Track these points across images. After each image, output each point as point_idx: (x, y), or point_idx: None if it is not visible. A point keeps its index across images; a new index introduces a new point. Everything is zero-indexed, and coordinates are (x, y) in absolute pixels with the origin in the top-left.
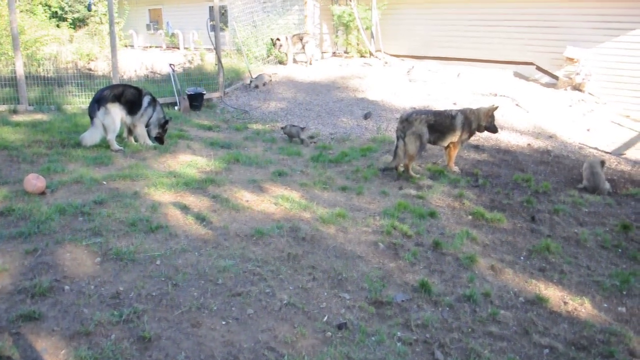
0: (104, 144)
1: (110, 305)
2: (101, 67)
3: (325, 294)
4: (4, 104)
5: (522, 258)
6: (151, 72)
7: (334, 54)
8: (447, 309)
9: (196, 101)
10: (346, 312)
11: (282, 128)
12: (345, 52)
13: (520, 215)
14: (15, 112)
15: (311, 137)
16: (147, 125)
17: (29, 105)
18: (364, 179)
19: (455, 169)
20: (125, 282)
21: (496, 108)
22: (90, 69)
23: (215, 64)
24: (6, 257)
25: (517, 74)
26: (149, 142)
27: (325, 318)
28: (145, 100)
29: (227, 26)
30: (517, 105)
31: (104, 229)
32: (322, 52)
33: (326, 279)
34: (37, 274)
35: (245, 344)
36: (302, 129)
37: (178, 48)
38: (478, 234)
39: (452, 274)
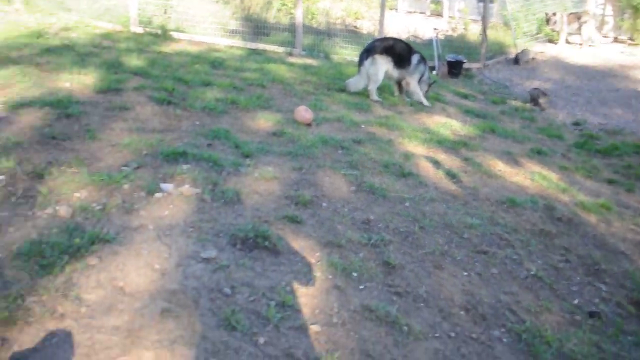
0: (365, 93)
1: (361, 229)
2: (366, 26)
3: (578, 278)
4: (282, 47)
5: None
6: (413, 36)
7: (615, 39)
8: None
9: (455, 69)
10: (600, 303)
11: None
12: (630, 39)
13: None
14: (290, 54)
15: (576, 124)
16: (417, 83)
17: (302, 50)
18: (637, 177)
19: None
20: (375, 213)
21: None
22: (355, 27)
23: (480, 34)
24: (277, 169)
25: None
26: (424, 101)
27: (576, 301)
28: (415, 57)
29: None
30: None
31: (360, 164)
32: (602, 36)
33: (580, 264)
34: (300, 187)
35: (486, 299)
36: (544, 94)
37: (441, 16)
38: None
39: None
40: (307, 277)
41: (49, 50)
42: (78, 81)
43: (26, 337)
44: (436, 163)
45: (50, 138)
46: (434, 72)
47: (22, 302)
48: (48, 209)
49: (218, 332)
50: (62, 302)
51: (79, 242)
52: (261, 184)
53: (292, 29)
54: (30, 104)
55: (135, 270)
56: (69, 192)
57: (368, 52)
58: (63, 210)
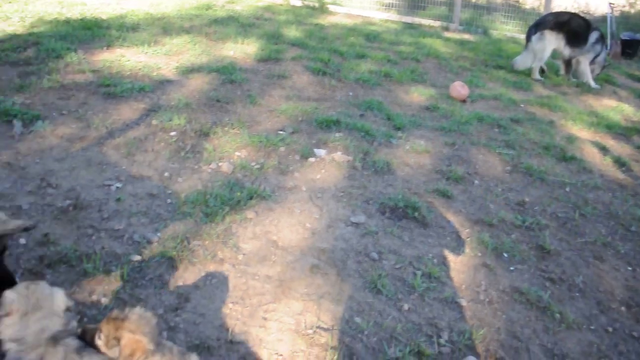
0: (526, 71)
1: (515, 210)
2: (530, 0)
3: None
4: (438, 21)
5: None
6: (583, 11)
7: None
8: None
9: (630, 48)
10: None
11: None
12: None
13: None
14: (446, 29)
15: None
16: (590, 64)
17: (459, 25)
18: None
19: None
20: (531, 196)
21: None
22: (517, 1)
23: None
24: (428, 143)
25: None
26: (592, 82)
27: None
28: (593, 36)
29: None
30: None
31: (517, 144)
32: None
33: None
34: (452, 163)
35: None
36: None
37: None
38: None
39: None
40: (455, 252)
41: (216, 21)
42: (241, 50)
43: (190, 276)
44: (603, 149)
45: (215, 101)
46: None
47: (187, 244)
48: (212, 164)
49: (363, 293)
50: (221, 248)
51: (239, 195)
52: (412, 156)
53: (449, 2)
54: (198, 69)
55: (288, 227)
56: (231, 150)
57: (537, 26)
58: (225, 167)
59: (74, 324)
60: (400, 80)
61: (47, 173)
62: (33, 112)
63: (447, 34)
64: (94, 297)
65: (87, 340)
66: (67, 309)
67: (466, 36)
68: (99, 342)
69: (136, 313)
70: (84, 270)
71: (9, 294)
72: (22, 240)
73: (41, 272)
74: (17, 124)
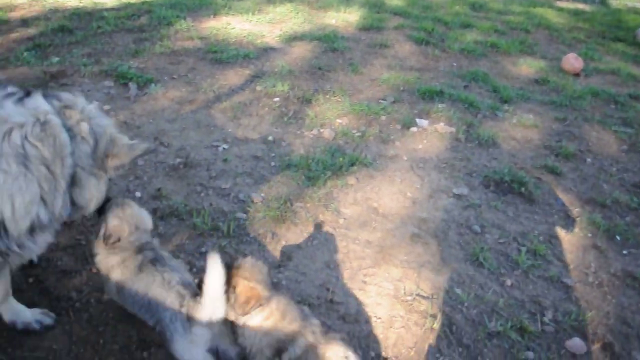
0: None
1: (630, 191)
2: None
3: None
4: None
5: None
6: None
7: None
8: None
9: None
10: None
11: None
12: None
13: None
14: None
15: None
16: None
17: None
18: None
19: None
20: None
21: None
22: None
23: None
24: (537, 117)
25: None
26: None
27: None
28: None
29: None
30: None
31: (635, 122)
32: None
33: None
34: (562, 139)
35: None
36: None
37: None
38: None
39: None
40: (563, 231)
41: None
42: (343, 19)
43: (292, 236)
44: None
45: (317, 69)
46: None
47: (290, 205)
48: (314, 130)
49: (464, 265)
50: (323, 211)
51: (341, 161)
52: (519, 130)
53: None
54: (301, 37)
55: (389, 194)
56: (332, 117)
57: None
58: (327, 133)
59: (154, 241)
60: (507, 52)
61: (159, 132)
62: (147, 76)
63: (560, 4)
64: (202, 249)
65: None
66: (150, 228)
67: (581, 6)
68: None
69: (249, 262)
70: (194, 224)
71: (110, 218)
72: (138, 193)
73: (155, 223)
74: (133, 87)
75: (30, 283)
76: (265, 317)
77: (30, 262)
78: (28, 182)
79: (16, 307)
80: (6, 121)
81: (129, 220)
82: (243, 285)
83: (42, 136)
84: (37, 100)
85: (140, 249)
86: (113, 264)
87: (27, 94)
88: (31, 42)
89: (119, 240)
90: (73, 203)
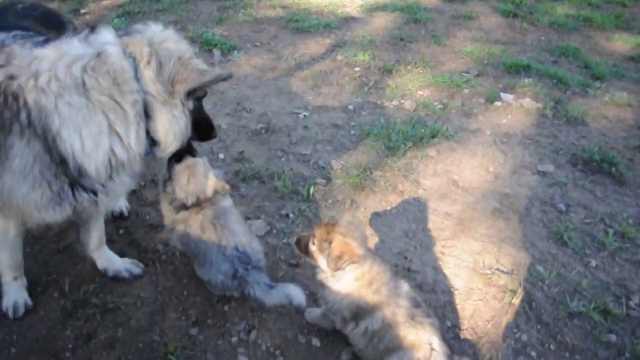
0: None
1: None
2: None
3: None
4: None
5: None
6: None
7: None
8: None
9: None
10: None
11: None
12: None
13: None
14: None
15: None
16: None
17: None
18: None
19: None
20: None
21: None
22: None
23: None
24: (631, 96)
25: None
26: None
27: None
28: None
29: None
30: None
31: None
32: None
33: None
34: None
35: None
36: None
37: None
38: None
39: None
40: None
41: None
42: None
43: (371, 203)
44: None
45: (398, 39)
46: None
47: (369, 174)
48: (394, 101)
49: (547, 243)
50: (402, 181)
51: (422, 132)
52: (611, 109)
53: None
54: (382, 8)
55: (470, 168)
56: (413, 89)
57: None
58: (407, 104)
59: (225, 200)
60: (601, 26)
61: (242, 98)
62: (230, 43)
63: None
64: (282, 212)
65: (300, 247)
66: (217, 188)
67: None
68: (312, 247)
69: (346, 219)
70: (275, 187)
71: (178, 166)
72: (221, 155)
73: (237, 184)
74: (217, 53)
75: (120, 234)
76: (356, 277)
77: (121, 214)
78: (91, 113)
79: (109, 255)
80: (67, 55)
81: (197, 184)
82: (338, 240)
83: (98, 66)
84: (100, 35)
85: (204, 209)
86: (176, 219)
87: (92, 29)
88: (121, 9)
89: (183, 206)
90: (152, 142)
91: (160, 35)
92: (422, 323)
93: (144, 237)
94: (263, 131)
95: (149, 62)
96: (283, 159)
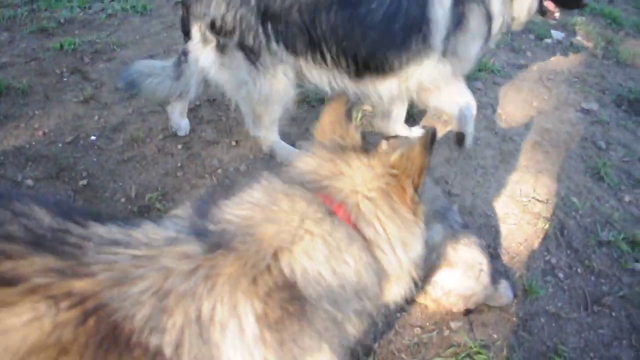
0: None
1: None
2: None
3: None
4: None
5: None
6: None
7: None
8: None
9: None
10: None
11: None
12: None
13: None
14: None
15: None
16: None
17: None
18: None
19: None
20: None
21: None
22: None
23: None
24: None
25: None
26: None
27: None
28: None
29: None
30: None
31: None
32: None
33: None
34: None
35: None
36: None
37: None
38: None
39: None
40: None
41: None
42: None
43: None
44: None
45: None
46: None
47: None
48: None
49: (583, 177)
50: None
51: None
52: None
53: None
54: None
55: (514, 102)
56: None
57: None
58: None
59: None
60: None
61: None
62: None
63: None
64: None
65: None
66: None
67: None
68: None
69: None
70: None
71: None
72: None
73: None
74: None
75: (179, 149)
76: None
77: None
78: None
79: None
80: None
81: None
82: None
83: None
84: None
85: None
86: None
87: None
88: None
89: None
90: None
91: None
92: (474, 242)
93: (200, 152)
94: None
95: None
96: None
